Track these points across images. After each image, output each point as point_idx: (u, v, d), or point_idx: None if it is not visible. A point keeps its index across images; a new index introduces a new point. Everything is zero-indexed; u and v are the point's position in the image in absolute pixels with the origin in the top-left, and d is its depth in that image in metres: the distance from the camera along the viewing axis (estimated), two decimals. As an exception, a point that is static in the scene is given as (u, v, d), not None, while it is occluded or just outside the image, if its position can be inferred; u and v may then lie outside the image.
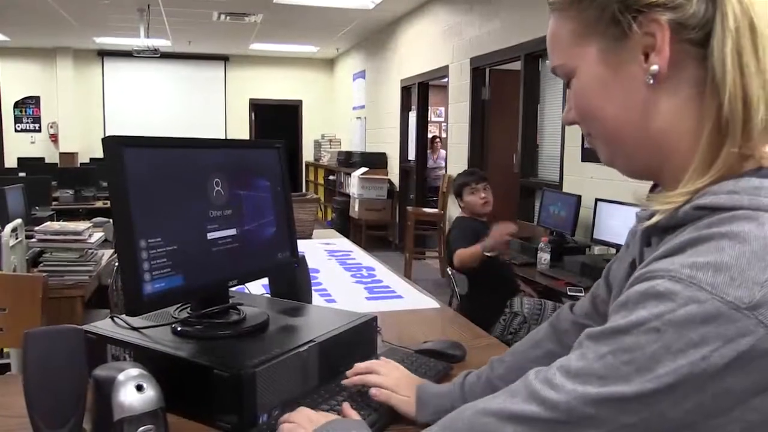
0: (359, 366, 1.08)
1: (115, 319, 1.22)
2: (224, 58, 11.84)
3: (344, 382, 1.08)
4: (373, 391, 1.03)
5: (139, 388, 0.94)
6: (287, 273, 1.44)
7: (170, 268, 1.06)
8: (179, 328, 1.17)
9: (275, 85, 12.19)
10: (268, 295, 1.52)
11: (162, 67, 11.31)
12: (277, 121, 12.21)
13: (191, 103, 11.59)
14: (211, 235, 1.16)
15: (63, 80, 10.93)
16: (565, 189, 4.52)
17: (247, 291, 1.55)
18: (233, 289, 1.41)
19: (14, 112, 11.05)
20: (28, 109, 11.10)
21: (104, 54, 11.21)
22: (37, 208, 5.23)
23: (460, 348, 1.37)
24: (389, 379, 1.05)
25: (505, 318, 3.24)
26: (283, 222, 1.36)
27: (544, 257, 3.77)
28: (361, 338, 1.26)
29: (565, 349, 0.78)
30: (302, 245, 3.02)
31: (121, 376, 0.96)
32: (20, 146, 10.81)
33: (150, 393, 0.94)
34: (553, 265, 3.76)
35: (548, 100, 5.11)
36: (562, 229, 4.11)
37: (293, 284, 1.47)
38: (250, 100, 12.13)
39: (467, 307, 3.41)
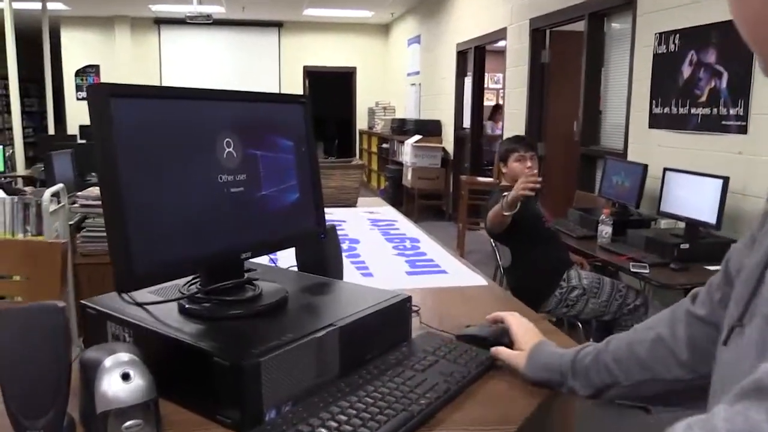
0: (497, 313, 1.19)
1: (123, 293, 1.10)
2: (278, 25, 11.74)
3: (488, 317, 1.20)
4: (493, 350, 1.09)
5: (125, 377, 0.81)
6: (313, 245, 1.28)
7: (166, 238, 0.93)
8: (186, 306, 1.03)
9: (329, 52, 12.02)
10: (296, 269, 1.38)
11: (216, 35, 11.30)
12: (331, 88, 12.07)
13: (246, 71, 11.56)
14: (218, 201, 1.01)
15: (121, 48, 11.05)
16: (629, 158, 4.22)
17: (275, 265, 1.41)
18: (259, 261, 1.28)
19: (75, 80, 11.24)
20: (89, 77, 11.28)
21: (161, 22, 11.26)
22: (93, 174, 5.26)
23: (507, 334, 1.19)
24: (520, 327, 1.12)
25: (562, 291, 3.04)
26: (308, 188, 1.21)
27: (605, 230, 3.51)
28: (391, 321, 1.10)
29: (676, 340, 0.89)
30: (345, 214, 2.92)
31: (107, 362, 0.83)
32: (82, 115, 11.02)
33: (138, 383, 0.81)
34: (614, 239, 3.51)
35: (613, 63, 4.77)
36: (626, 200, 3.84)
37: (321, 257, 1.32)
38: (304, 67, 12.02)
39: (511, 280, 3.23)
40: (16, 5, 7.84)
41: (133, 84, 0.90)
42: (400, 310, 1.11)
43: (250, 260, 1.12)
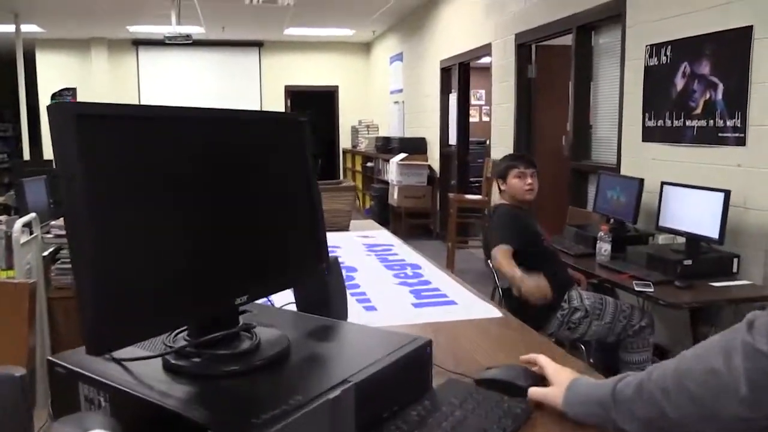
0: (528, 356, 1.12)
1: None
2: (259, 44, 11.63)
3: (522, 357, 1.13)
4: (530, 392, 1.02)
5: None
6: (314, 282, 1.14)
7: (146, 286, 0.78)
8: (172, 362, 0.88)
9: (311, 71, 11.93)
10: (293, 308, 1.23)
11: (196, 55, 11.16)
12: (314, 107, 11.95)
13: (226, 91, 11.41)
14: (206, 239, 0.87)
15: (98, 71, 10.86)
16: (623, 172, 4.13)
17: (270, 304, 1.26)
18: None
19: (51, 103, 11.01)
20: (65, 100, 11.06)
21: (139, 43, 11.10)
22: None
23: (532, 376, 1.06)
24: (554, 365, 1.06)
25: (564, 313, 2.92)
26: (308, 218, 1.07)
27: (604, 248, 3.40)
28: (411, 371, 0.95)
29: (732, 372, 0.77)
30: (338, 238, 2.78)
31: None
32: (58, 138, 10.78)
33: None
34: (614, 257, 3.40)
35: (602, 77, 4.70)
36: (622, 216, 3.74)
37: (323, 295, 1.17)
38: (286, 86, 11.90)
39: (510, 303, 3.10)
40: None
41: (106, 103, 0.75)
42: (419, 358, 0.97)
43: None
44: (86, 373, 0.87)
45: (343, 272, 1.95)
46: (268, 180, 0.98)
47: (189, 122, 0.87)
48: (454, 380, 1.04)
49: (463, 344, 1.31)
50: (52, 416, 0.93)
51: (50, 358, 0.93)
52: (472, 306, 1.59)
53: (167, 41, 7.91)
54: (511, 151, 5.81)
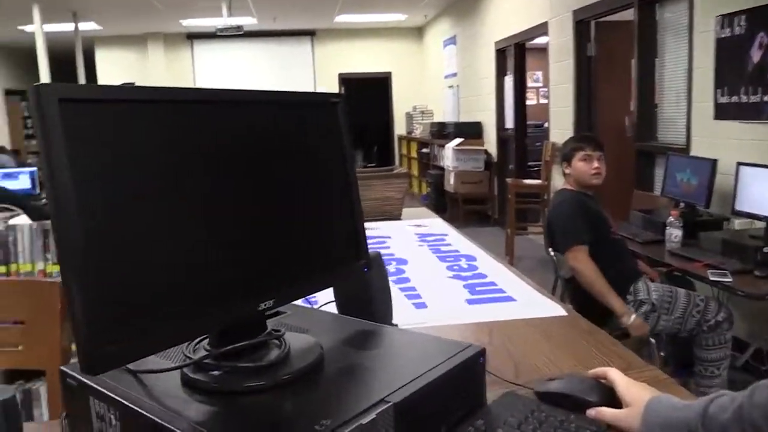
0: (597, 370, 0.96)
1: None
2: (311, 33, 11.59)
3: (589, 372, 0.96)
4: (592, 412, 0.86)
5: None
6: (354, 281, 1.03)
7: (151, 292, 0.68)
8: (190, 375, 0.78)
9: (364, 58, 11.83)
10: (330, 309, 1.12)
11: (249, 47, 11.21)
12: (368, 94, 11.88)
13: (281, 81, 11.42)
14: (223, 236, 0.76)
15: (155, 65, 11.05)
16: (693, 153, 3.86)
17: (308, 303, 1.16)
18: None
19: (112, 99, 11.28)
20: (125, 96, 11.30)
21: (193, 37, 11.23)
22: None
23: (602, 391, 0.91)
24: (627, 380, 0.90)
25: (631, 305, 2.72)
26: (344, 209, 0.95)
27: (674, 234, 3.17)
28: (461, 385, 0.83)
29: None
30: (389, 228, 2.66)
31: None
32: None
33: None
34: (685, 243, 3.17)
35: (668, 52, 4.41)
36: (694, 199, 3.48)
37: (364, 295, 1.06)
38: (339, 74, 11.84)
39: (573, 294, 2.92)
40: (48, 28, 7.84)
41: (94, 85, 0.65)
42: (471, 369, 0.84)
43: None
44: (96, 387, 0.78)
45: (393, 265, 1.86)
46: (295, 166, 0.87)
47: (200, 105, 0.76)
48: (511, 393, 0.91)
49: (522, 348, 1.17)
50: (65, 426, 0.85)
51: (62, 368, 0.85)
52: (532, 303, 1.44)
53: (219, 33, 7.95)
54: (571, 134, 5.58)
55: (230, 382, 0.77)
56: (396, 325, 1.09)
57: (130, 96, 0.69)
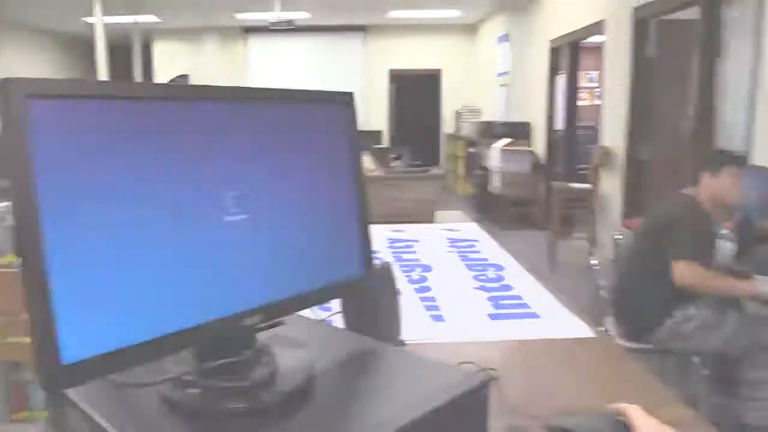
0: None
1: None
2: (362, 29, 11.57)
3: (609, 406, 0.86)
4: None
5: None
6: (356, 295, 0.96)
7: (120, 303, 0.63)
8: (167, 392, 0.74)
9: (415, 54, 11.74)
10: (331, 322, 1.05)
11: (301, 42, 11.26)
12: (417, 91, 11.79)
13: (331, 76, 11.44)
14: (204, 244, 0.71)
15: (210, 57, 11.23)
16: (755, 161, 3.65)
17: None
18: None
19: (167, 90, 11.51)
20: (180, 87, 11.51)
21: (249, 30, 11.36)
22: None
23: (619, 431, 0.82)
24: (646, 421, 0.81)
25: (676, 320, 2.57)
26: (351, 217, 0.89)
27: (727, 247, 3.00)
28: (459, 420, 0.75)
29: None
30: (419, 232, 2.59)
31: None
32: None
33: None
34: (738, 257, 2.99)
35: (731, 53, 4.18)
36: (751, 211, 3.29)
37: (370, 309, 1.00)
38: (390, 70, 11.79)
39: (616, 303, 2.77)
40: (108, 19, 8.02)
41: (66, 79, 0.60)
42: (473, 401, 0.77)
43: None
44: (70, 397, 0.74)
45: (417, 272, 1.78)
46: (292, 167, 0.81)
47: (182, 101, 0.71)
48: (517, 429, 0.83)
49: (540, 372, 1.09)
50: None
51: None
52: (557, 321, 1.35)
53: (271, 27, 8.00)
54: (623, 138, 5.39)
55: (211, 402, 0.72)
56: (403, 342, 1.02)
57: (106, 92, 0.65)
